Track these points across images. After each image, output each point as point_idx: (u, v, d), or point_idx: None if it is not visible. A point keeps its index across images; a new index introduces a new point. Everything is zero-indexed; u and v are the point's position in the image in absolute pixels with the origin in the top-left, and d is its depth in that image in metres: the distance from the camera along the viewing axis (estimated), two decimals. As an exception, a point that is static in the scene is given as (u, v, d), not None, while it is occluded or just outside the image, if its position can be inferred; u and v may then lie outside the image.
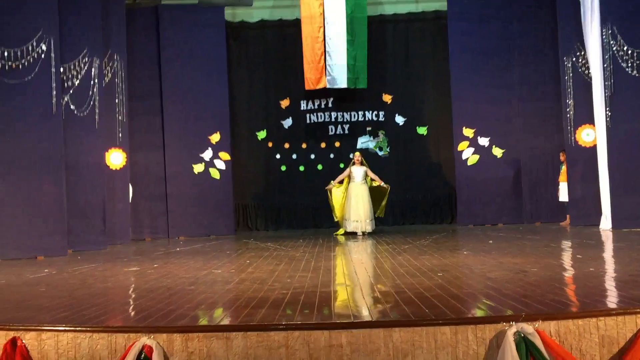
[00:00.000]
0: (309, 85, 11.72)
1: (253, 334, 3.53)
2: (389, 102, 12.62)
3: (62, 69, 8.96)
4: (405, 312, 3.88)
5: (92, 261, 7.74)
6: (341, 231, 10.58)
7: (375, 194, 10.64)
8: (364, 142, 12.64)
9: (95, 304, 4.57)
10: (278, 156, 12.63)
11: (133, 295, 5.19)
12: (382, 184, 10.58)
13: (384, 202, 10.67)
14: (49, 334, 3.67)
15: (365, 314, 3.94)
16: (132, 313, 4.38)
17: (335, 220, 10.78)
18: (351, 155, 11.09)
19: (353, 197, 10.45)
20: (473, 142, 11.76)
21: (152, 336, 3.50)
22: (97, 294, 5.17)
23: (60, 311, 4.33)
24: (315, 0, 11.57)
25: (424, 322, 3.60)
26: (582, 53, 10.24)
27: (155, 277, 6.02)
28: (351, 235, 10.35)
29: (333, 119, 12.68)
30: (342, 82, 11.72)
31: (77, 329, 3.68)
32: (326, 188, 10.75)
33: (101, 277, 6.21)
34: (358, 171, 10.62)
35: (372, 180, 10.67)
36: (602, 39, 9.41)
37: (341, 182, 10.74)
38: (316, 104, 12.65)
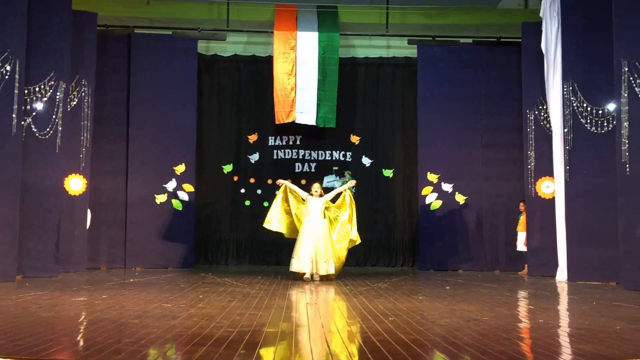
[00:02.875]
0: (279, 119, 11.68)
1: (189, 373, 3.43)
2: (357, 143, 12.74)
3: (26, 91, 8.87)
4: (348, 356, 3.83)
5: (41, 288, 7.52)
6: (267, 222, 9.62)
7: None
8: (329, 181, 12.68)
9: (32, 334, 4.42)
10: (243, 190, 12.58)
11: (74, 327, 5.02)
12: (346, 186, 9.57)
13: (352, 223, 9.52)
14: (-24, 364, 3.52)
15: (307, 357, 3.87)
16: (69, 345, 4.23)
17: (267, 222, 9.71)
18: (316, 187, 9.58)
19: (306, 233, 9.13)
20: (437, 188, 11.89)
21: (83, 371, 3.37)
22: (38, 323, 4.99)
23: (-6, 340, 4.17)
24: (288, 39, 11.72)
25: (365, 368, 3.55)
26: (544, 107, 10.52)
27: (102, 309, 5.86)
28: (299, 277, 9.13)
29: (300, 157, 12.72)
30: (311, 119, 11.72)
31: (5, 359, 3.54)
32: (278, 182, 9.77)
33: (46, 306, 6.02)
34: (316, 204, 9.31)
35: (336, 198, 9.60)
36: (563, 95, 9.69)
37: (292, 197, 9.65)
38: (284, 140, 12.69)
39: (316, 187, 9.58)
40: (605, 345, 4.25)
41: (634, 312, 6.08)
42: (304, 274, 9.04)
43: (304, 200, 9.55)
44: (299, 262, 9.06)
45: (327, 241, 9.21)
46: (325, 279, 9.21)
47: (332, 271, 9.18)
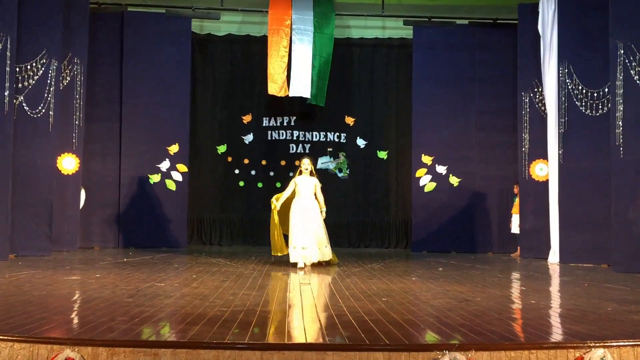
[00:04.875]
0: (272, 90, 11.37)
1: (182, 351, 3.44)
2: (352, 124, 12.70)
3: (17, 69, 8.77)
4: (342, 335, 3.84)
5: (34, 267, 7.51)
6: (279, 251, 8.72)
7: None
8: (324, 162, 12.66)
9: (26, 312, 4.41)
10: (237, 171, 12.54)
11: (67, 305, 5.02)
12: (322, 210, 8.40)
13: None
14: (-32, 342, 3.51)
15: (300, 336, 3.89)
16: (62, 323, 4.23)
17: (276, 253, 8.85)
18: (306, 164, 8.56)
19: (300, 217, 8.23)
20: (431, 170, 11.88)
21: (76, 349, 3.37)
22: (31, 301, 4.99)
23: (-14, 318, 4.16)
24: (283, 18, 11.57)
25: (358, 347, 3.56)
26: (539, 89, 10.49)
27: (95, 288, 5.86)
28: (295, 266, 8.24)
29: (294, 138, 12.67)
30: (306, 92, 11.38)
31: (-1, 337, 3.53)
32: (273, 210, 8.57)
33: (39, 285, 6.01)
34: (306, 183, 8.37)
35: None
36: (559, 77, 9.66)
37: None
38: (278, 121, 12.63)
39: (306, 163, 8.50)
40: (596, 326, 4.28)
41: (625, 294, 6.12)
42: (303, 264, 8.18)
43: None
44: (298, 252, 8.16)
45: (321, 223, 8.37)
46: (326, 264, 8.48)
47: (327, 257, 8.43)
